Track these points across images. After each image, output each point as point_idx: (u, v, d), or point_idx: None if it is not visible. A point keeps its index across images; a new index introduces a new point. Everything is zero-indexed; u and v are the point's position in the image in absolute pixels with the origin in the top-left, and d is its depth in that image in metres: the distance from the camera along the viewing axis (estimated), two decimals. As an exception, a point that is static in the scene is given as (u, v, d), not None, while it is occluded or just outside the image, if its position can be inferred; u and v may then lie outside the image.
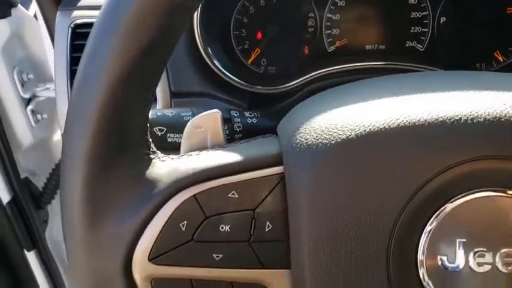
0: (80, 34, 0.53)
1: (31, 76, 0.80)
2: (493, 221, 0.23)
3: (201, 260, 0.26)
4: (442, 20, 0.55)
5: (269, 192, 0.26)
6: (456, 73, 0.30)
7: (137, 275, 0.26)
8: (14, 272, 0.87)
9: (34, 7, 0.76)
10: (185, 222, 0.26)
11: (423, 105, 0.25)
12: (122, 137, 0.26)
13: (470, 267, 0.23)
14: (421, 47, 0.56)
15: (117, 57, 0.24)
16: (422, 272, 0.24)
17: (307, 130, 0.26)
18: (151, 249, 0.26)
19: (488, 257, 0.23)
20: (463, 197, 0.24)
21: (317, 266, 0.24)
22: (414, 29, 0.56)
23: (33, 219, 0.86)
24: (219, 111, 0.31)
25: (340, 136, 0.25)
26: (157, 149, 0.28)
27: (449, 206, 0.24)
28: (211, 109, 0.30)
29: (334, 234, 0.24)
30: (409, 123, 0.24)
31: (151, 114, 0.41)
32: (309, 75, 0.54)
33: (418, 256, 0.24)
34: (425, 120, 0.24)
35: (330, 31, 0.57)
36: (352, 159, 0.24)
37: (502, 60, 0.55)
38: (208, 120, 0.30)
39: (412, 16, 0.55)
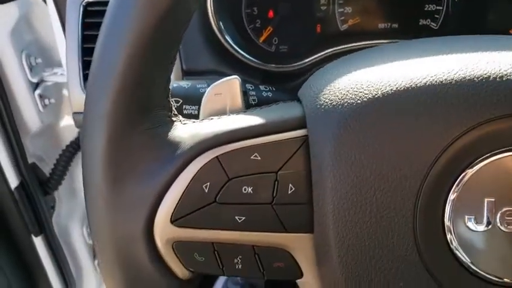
0: (91, 12, 0.53)
1: (39, 60, 0.80)
2: None
3: (223, 223, 0.26)
4: (456, -2, 0.54)
5: (292, 154, 0.26)
6: (482, 36, 0.29)
7: (159, 238, 0.26)
8: (21, 256, 0.87)
9: (42, -11, 0.76)
10: (208, 183, 0.25)
11: (450, 65, 0.24)
12: (144, 98, 0.25)
13: (498, 227, 0.23)
14: (435, 25, 0.55)
15: (138, 19, 0.24)
16: (449, 234, 0.24)
17: (332, 91, 0.25)
18: (174, 210, 0.26)
19: None
20: (490, 156, 0.23)
21: (342, 228, 0.24)
22: (428, 7, 0.55)
23: (41, 204, 0.86)
24: (238, 77, 0.30)
25: (366, 95, 0.24)
26: None
27: (476, 166, 0.23)
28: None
29: (359, 194, 0.24)
30: (436, 82, 0.24)
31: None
32: (321, 53, 0.54)
33: (445, 217, 0.24)
34: (452, 79, 0.23)
35: (342, 9, 0.56)
36: (378, 118, 0.24)
37: (517, 38, 0.54)
38: (227, 86, 0.30)
39: (425, -6, 0.54)
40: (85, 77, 0.53)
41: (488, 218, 0.23)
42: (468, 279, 0.24)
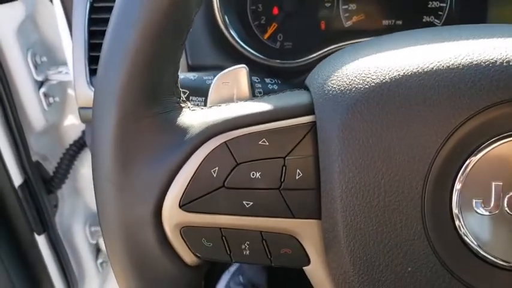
0: (97, 8, 0.53)
1: (44, 59, 0.80)
2: None
3: (231, 208, 0.26)
4: (459, -5, 0.54)
5: (300, 140, 0.26)
6: (487, 25, 0.29)
7: (167, 223, 0.26)
8: (24, 255, 0.87)
9: (48, -12, 0.76)
10: (216, 168, 0.26)
11: (456, 51, 0.25)
12: (154, 83, 0.25)
13: (506, 211, 0.23)
14: (439, 22, 0.55)
15: (150, 3, 0.24)
16: (457, 218, 0.24)
17: (339, 77, 0.26)
18: (183, 195, 0.26)
19: None
20: (497, 140, 0.23)
21: (350, 213, 0.24)
22: (432, 4, 0.55)
23: (44, 203, 0.86)
24: (245, 66, 0.31)
25: (374, 80, 0.24)
26: None
27: (484, 150, 0.23)
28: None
29: (367, 178, 0.24)
30: (443, 66, 0.24)
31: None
32: (326, 49, 0.54)
33: (453, 201, 0.24)
34: (459, 64, 0.24)
35: (346, 6, 0.56)
36: (386, 102, 0.24)
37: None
38: (234, 75, 0.30)
39: (429, -9, 0.55)
40: (91, 72, 0.53)
41: (495, 201, 0.23)
42: (476, 263, 0.24)
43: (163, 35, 0.25)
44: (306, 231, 0.26)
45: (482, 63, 0.23)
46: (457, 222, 0.24)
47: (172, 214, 0.26)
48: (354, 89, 0.24)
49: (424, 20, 0.56)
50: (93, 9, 0.54)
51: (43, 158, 0.88)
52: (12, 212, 0.83)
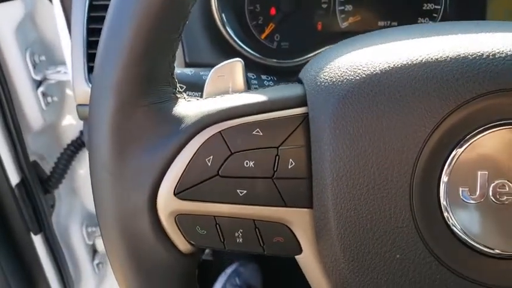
0: (96, 6, 0.54)
1: (43, 58, 0.81)
2: None
3: (225, 196, 0.26)
4: (454, -3, 0.55)
5: (292, 131, 0.26)
6: (476, 21, 0.30)
7: (162, 210, 0.27)
8: (20, 254, 0.87)
9: (48, -12, 0.77)
10: (211, 157, 0.26)
11: (445, 44, 0.25)
12: (151, 72, 0.26)
13: (491, 199, 0.24)
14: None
15: None
16: (444, 207, 0.24)
17: (331, 70, 0.26)
18: (177, 183, 0.26)
19: (509, 189, 0.23)
20: (484, 129, 0.24)
21: (340, 201, 0.25)
22: (426, 6, 0.56)
23: (41, 202, 0.87)
24: (241, 60, 0.31)
25: (364, 72, 0.25)
26: None
27: (470, 139, 0.24)
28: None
29: (357, 167, 0.24)
30: (432, 59, 0.24)
31: (170, 72, 0.42)
32: (322, 49, 0.55)
33: (440, 189, 0.24)
34: (447, 56, 0.24)
35: (343, 7, 0.57)
36: (376, 93, 0.24)
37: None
38: (230, 68, 0.31)
39: (424, -7, 0.56)
40: (89, 70, 0.54)
41: (481, 190, 0.24)
42: (462, 250, 0.24)
43: (159, 27, 0.25)
44: (298, 220, 0.27)
45: (469, 56, 0.24)
46: (444, 211, 0.24)
47: (167, 202, 0.26)
48: (345, 81, 0.25)
49: (419, 22, 0.56)
50: (92, 7, 0.54)
51: (40, 158, 0.88)
52: (9, 211, 0.83)
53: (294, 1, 0.57)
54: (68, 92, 0.88)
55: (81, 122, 0.81)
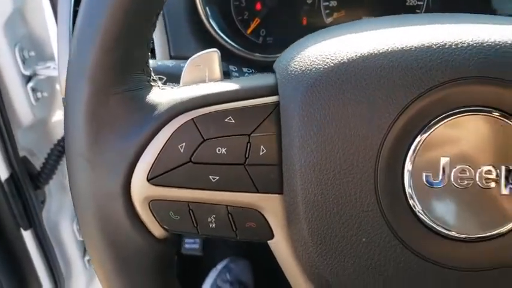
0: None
1: (32, 53, 0.81)
2: (474, 140, 0.24)
3: (198, 182, 0.27)
4: (436, -7, 0.56)
5: (264, 118, 0.27)
6: (444, 14, 0.31)
7: (136, 196, 0.27)
8: (10, 250, 0.87)
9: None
10: (183, 144, 0.27)
11: (411, 35, 0.26)
12: (125, 59, 0.26)
13: (453, 184, 0.24)
14: (417, 19, 0.57)
15: None
16: (408, 190, 0.25)
17: (302, 59, 0.27)
18: (150, 169, 0.27)
19: (469, 174, 0.24)
20: (446, 116, 0.24)
21: (308, 186, 0.25)
22: (409, 2, 0.57)
23: (31, 198, 0.87)
24: (217, 50, 0.32)
25: (332, 61, 0.26)
26: None
27: (433, 126, 0.24)
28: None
29: (324, 153, 0.25)
30: (397, 48, 0.25)
31: (152, 63, 0.42)
32: (306, 44, 0.55)
33: (404, 175, 0.25)
34: (412, 46, 0.25)
35: (327, 3, 0.58)
36: (343, 81, 0.25)
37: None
38: (206, 58, 0.31)
39: (407, -11, 0.56)
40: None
41: (443, 175, 0.24)
42: (426, 233, 0.25)
43: (132, 15, 0.26)
44: (270, 206, 0.27)
45: (433, 46, 0.25)
46: (408, 195, 0.25)
47: (140, 188, 0.27)
48: (313, 69, 0.26)
49: (402, 17, 0.57)
50: (77, 2, 0.55)
51: (30, 153, 0.88)
52: (-1, 206, 0.84)
53: (279, -4, 0.58)
54: (58, 87, 0.88)
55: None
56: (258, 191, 0.27)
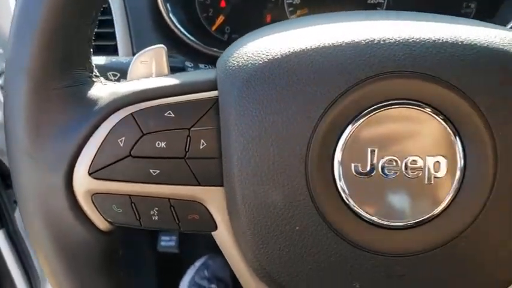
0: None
1: (0, 51, 0.80)
2: (400, 132, 0.25)
3: (138, 176, 0.27)
4: (397, -9, 0.57)
5: (204, 113, 0.27)
6: (379, 11, 0.32)
7: (78, 190, 0.27)
8: (-18, 250, 0.86)
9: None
10: (123, 138, 0.27)
11: (343, 32, 0.27)
12: (64, 55, 0.27)
13: (380, 174, 0.25)
14: (378, 16, 0.58)
15: None
16: (338, 180, 0.26)
17: (239, 55, 0.28)
18: (91, 163, 0.27)
19: (396, 164, 0.25)
20: (372, 110, 0.25)
21: (245, 178, 0.26)
22: (371, 0, 0.58)
23: (2, 198, 0.86)
24: (164, 47, 0.32)
25: (267, 57, 0.26)
26: None
27: (361, 119, 0.25)
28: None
29: (259, 146, 0.26)
30: (328, 44, 0.26)
31: (106, 60, 0.42)
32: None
33: (334, 166, 0.26)
34: (343, 42, 0.26)
35: (291, 0, 0.59)
36: (275, 76, 0.26)
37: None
38: (153, 54, 0.32)
39: (369, -13, 0.57)
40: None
41: (371, 166, 0.25)
42: (356, 221, 0.26)
43: (69, 11, 0.26)
44: (212, 198, 0.28)
45: (361, 42, 0.26)
46: (338, 185, 0.26)
47: (82, 182, 0.27)
48: (249, 65, 0.26)
49: (363, 14, 0.58)
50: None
51: (1, 153, 0.87)
52: (-31, 206, 0.83)
53: (243, -7, 0.58)
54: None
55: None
56: (199, 184, 0.28)
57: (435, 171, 0.25)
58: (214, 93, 0.28)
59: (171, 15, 0.52)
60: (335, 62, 0.25)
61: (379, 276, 0.26)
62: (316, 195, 0.25)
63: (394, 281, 0.26)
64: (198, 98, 0.28)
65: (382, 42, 0.25)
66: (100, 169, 0.27)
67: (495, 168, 0.25)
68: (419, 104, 0.25)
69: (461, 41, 0.26)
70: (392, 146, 0.25)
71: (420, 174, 0.25)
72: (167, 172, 0.27)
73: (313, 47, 0.26)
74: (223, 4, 0.59)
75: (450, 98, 0.25)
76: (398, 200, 0.26)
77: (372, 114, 0.25)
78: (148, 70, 0.32)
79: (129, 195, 0.28)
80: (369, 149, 0.25)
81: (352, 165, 0.25)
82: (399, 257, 0.26)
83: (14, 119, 0.27)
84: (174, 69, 0.46)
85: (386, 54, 0.25)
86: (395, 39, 0.26)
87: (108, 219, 0.28)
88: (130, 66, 0.32)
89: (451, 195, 0.26)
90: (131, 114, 0.27)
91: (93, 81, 0.29)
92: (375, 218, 0.26)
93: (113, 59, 0.42)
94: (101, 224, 0.29)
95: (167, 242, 0.96)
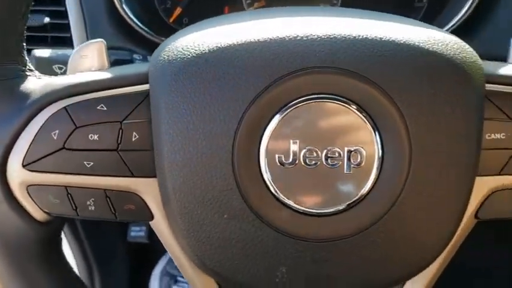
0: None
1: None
2: (320, 124, 0.27)
3: (73, 167, 0.28)
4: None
5: (136, 106, 0.28)
6: (317, 7, 0.33)
7: (12, 181, 0.28)
8: None
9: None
10: (56, 131, 0.28)
11: (272, 27, 0.28)
12: None
13: (302, 164, 0.27)
14: (333, 9, 0.59)
15: None
16: (263, 169, 0.27)
17: (171, 49, 0.28)
18: (25, 155, 0.28)
19: (316, 155, 0.27)
20: (294, 104, 0.27)
21: (174, 168, 0.27)
22: (326, -5, 0.59)
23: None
24: (104, 41, 0.33)
25: (195, 52, 0.27)
26: None
27: (283, 112, 0.27)
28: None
29: (187, 138, 0.27)
30: (255, 39, 0.27)
31: (51, 53, 0.43)
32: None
33: (260, 156, 0.27)
34: (268, 38, 0.27)
35: (248, -7, 0.59)
36: (203, 71, 0.27)
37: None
38: (93, 48, 0.32)
39: (324, -20, 0.58)
40: None
41: (293, 156, 0.27)
42: (281, 209, 0.27)
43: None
44: (146, 189, 0.29)
45: (286, 38, 0.27)
46: (264, 175, 0.27)
47: (16, 173, 0.28)
48: (178, 59, 0.27)
49: (320, 8, 0.59)
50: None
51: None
52: None
53: (201, -15, 0.58)
54: None
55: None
56: (133, 175, 0.28)
57: (354, 162, 0.27)
58: (145, 87, 0.29)
59: (124, 6, 0.52)
60: (259, 58, 0.26)
61: (304, 261, 0.28)
62: (242, 185, 0.27)
63: (319, 265, 0.28)
64: (130, 92, 0.28)
65: (305, 38, 0.27)
66: (34, 161, 0.28)
67: (410, 158, 0.27)
68: (339, 98, 0.27)
69: (381, 38, 0.27)
70: (313, 138, 0.27)
71: (340, 164, 0.27)
72: (101, 164, 0.28)
73: (239, 42, 0.27)
74: (181, -4, 0.59)
75: (368, 92, 0.26)
76: (320, 189, 0.27)
77: (293, 108, 0.27)
78: (88, 64, 0.32)
79: (65, 187, 0.28)
80: (291, 141, 0.27)
81: (277, 156, 0.27)
82: (322, 242, 0.27)
83: None
84: (121, 62, 0.47)
85: (308, 50, 0.26)
86: (318, 36, 0.27)
87: (45, 210, 0.29)
88: (69, 60, 0.32)
89: (370, 183, 0.27)
90: (64, 107, 0.28)
91: (27, 75, 0.29)
92: (297, 206, 0.27)
93: (59, 51, 0.42)
94: (38, 214, 0.29)
95: (137, 233, 0.96)
